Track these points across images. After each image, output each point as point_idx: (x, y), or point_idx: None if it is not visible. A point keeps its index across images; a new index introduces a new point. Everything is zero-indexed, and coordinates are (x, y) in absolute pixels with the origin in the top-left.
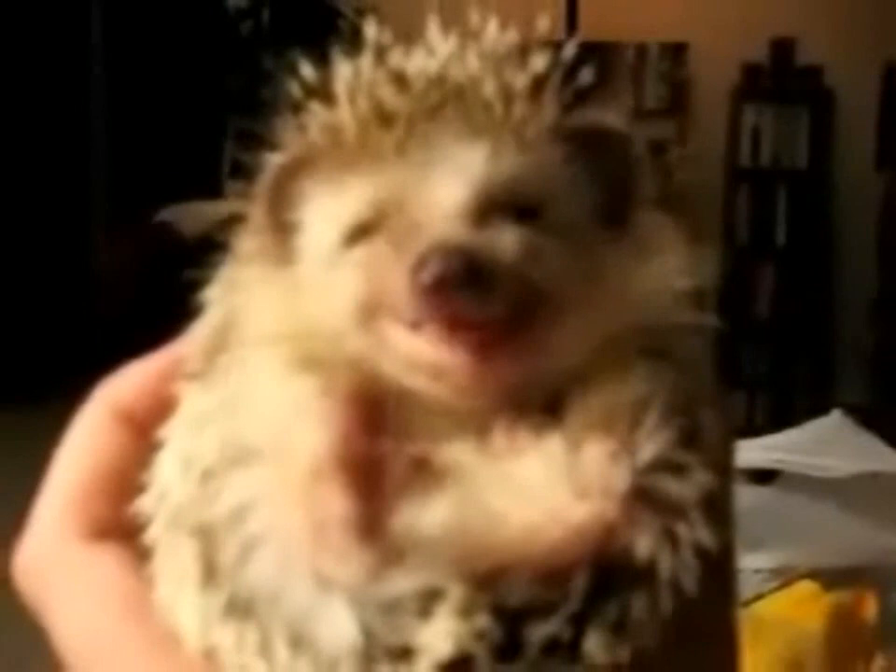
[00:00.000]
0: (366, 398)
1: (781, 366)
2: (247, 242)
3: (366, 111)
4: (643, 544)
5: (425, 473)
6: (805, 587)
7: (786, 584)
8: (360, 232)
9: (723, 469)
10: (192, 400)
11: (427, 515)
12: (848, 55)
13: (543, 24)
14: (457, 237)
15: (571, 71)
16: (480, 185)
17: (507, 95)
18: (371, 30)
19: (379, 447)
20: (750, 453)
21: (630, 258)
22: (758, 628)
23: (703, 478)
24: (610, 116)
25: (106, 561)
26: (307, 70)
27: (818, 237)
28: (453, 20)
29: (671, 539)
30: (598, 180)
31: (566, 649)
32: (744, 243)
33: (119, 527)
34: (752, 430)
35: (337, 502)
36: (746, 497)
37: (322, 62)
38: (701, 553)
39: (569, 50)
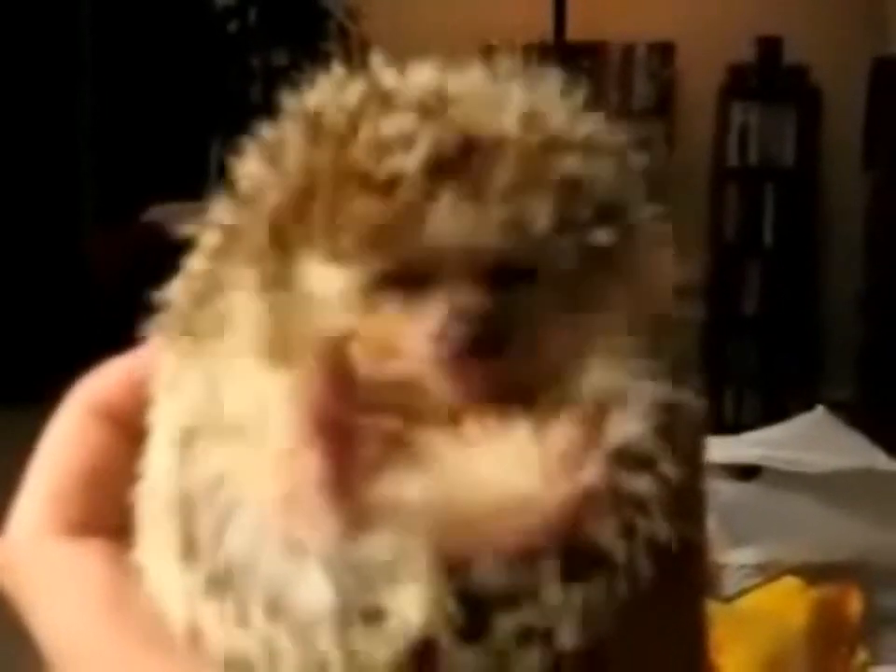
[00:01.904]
0: (341, 368)
1: (769, 363)
2: (242, 244)
3: (358, 177)
4: (605, 533)
5: (399, 449)
6: (789, 582)
7: (770, 580)
8: (366, 287)
9: (693, 463)
10: (177, 373)
11: (401, 485)
12: (835, 54)
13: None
14: (475, 302)
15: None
16: (483, 246)
17: (493, 148)
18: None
19: (353, 414)
20: (734, 449)
21: (623, 276)
22: (742, 623)
23: (670, 472)
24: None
25: (87, 556)
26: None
27: (805, 235)
28: (440, 22)
29: (632, 531)
30: (587, 215)
31: (538, 636)
32: (732, 241)
33: (102, 523)
34: (741, 427)
35: (310, 466)
36: (730, 493)
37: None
38: (660, 547)
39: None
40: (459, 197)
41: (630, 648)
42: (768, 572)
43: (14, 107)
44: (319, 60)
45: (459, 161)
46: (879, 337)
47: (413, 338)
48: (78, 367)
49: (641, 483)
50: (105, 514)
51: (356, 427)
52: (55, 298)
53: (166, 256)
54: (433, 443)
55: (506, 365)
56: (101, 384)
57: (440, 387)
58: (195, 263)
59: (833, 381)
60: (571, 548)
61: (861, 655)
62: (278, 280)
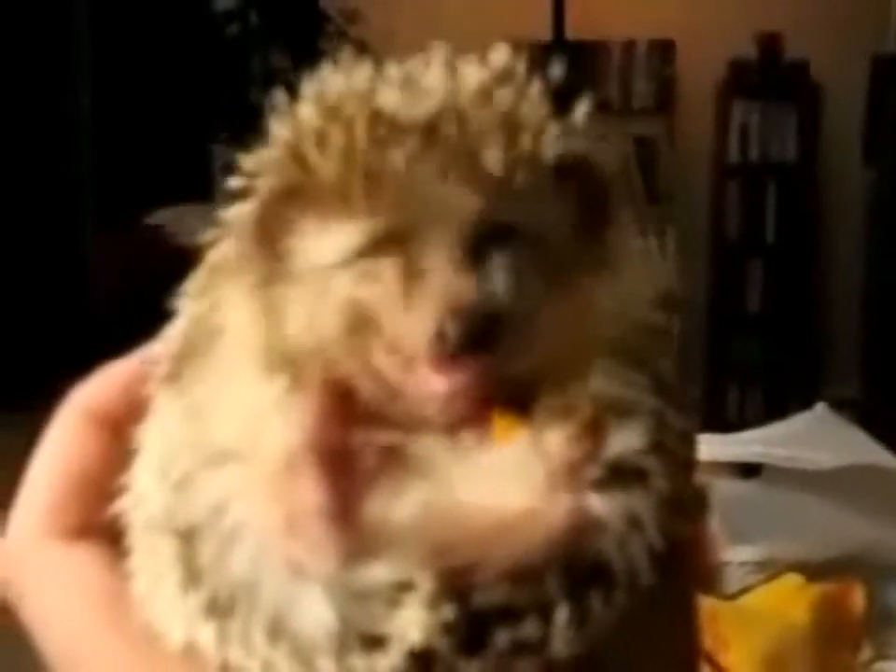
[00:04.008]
0: (337, 388)
1: (772, 360)
2: (227, 251)
3: (345, 161)
4: (604, 546)
5: (397, 465)
6: (791, 579)
7: (772, 577)
8: (360, 255)
9: (685, 470)
10: (165, 405)
11: (399, 506)
12: (835, 50)
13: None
14: (468, 294)
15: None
16: (471, 226)
17: (487, 132)
18: (354, 62)
19: (352, 436)
20: (735, 447)
21: (603, 272)
22: (744, 620)
23: (663, 484)
24: (584, 141)
25: (84, 559)
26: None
27: (807, 231)
28: (438, 21)
29: (629, 543)
30: (574, 204)
31: (533, 647)
32: (734, 238)
33: (98, 528)
34: (744, 424)
35: (310, 491)
36: (731, 490)
37: (310, 66)
38: (655, 554)
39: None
40: (449, 160)
41: (623, 647)
42: (770, 569)
43: (13, 111)
44: (318, 62)
45: (447, 133)
46: (882, 333)
47: (408, 326)
48: (77, 373)
49: (637, 496)
50: (101, 519)
51: (354, 451)
52: (54, 304)
53: (169, 260)
54: (432, 456)
55: (499, 360)
56: (97, 389)
57: (431, 387)
58: (188, 295)
59: (836, 378)
60: (571, 562)
61: (866, 651)
62: (270, 278)
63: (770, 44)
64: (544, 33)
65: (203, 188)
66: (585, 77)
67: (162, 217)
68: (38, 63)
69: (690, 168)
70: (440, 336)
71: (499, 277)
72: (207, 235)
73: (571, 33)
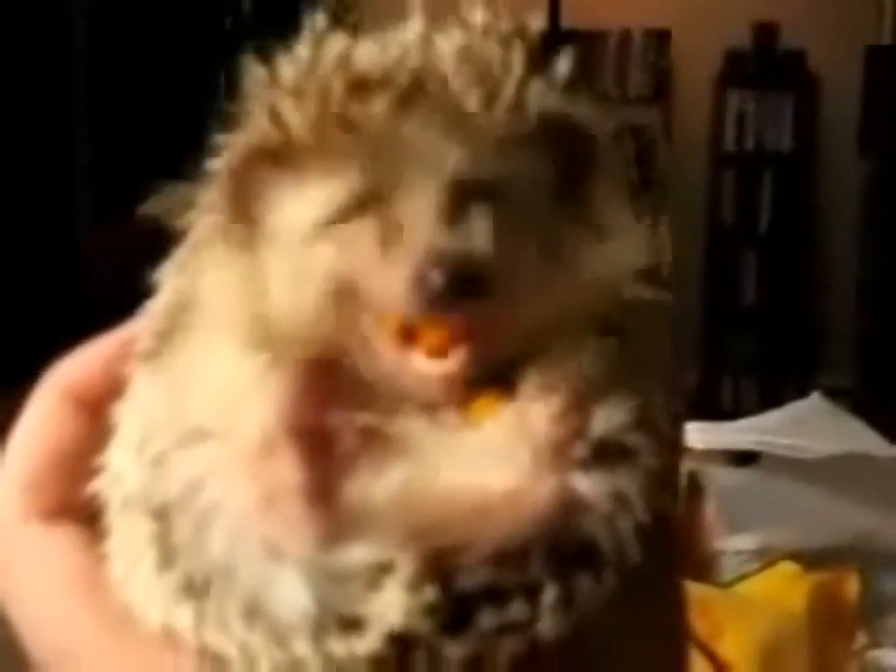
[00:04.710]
0: (317, 367)
1: (766, 350)
2: (205, 224)
3: (322, 117)
4: (592, 526)
5: (377, 444)
6: (787, 568)
7: (768, 565)
8: (338, 219)
9: (672, 448)
10: (143, 383)
11: (380, 486)
12: (831, 39)
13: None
14: (448, 243)
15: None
16: (453, 180)
17: (469, 86)
18: (322, 19)
19: (330, 415)
20: (731, 435)
21: (586, 237)
22: (740, 608)
23: (651, 461)
24: (571, 102)
25: (61, 540)
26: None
27: (802, 220)
28: (432, 10)
29: (617, 522)
30: (557, 164)
31: (519, 628)
32: (729, 227)
33: (75, 509)
34: (739, 414)
35: (287, 471)
36: (727, 478)
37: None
38: (641, 532)
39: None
40: (429, 115)
41: (610, 626)
42: (766, 557)
43: (7, 100)
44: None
45: (427, 88)
46: (877, 323)
47: (389, 283)
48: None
49: (623, 474)
50: (79, 500)
51: (334, 430)
52: (48, 290)
53: (164, 248)
54: (414, 436)
55: (489, 307)
56: (75, 367)
57: (423, 368)
58: (170, 271)
59: (831, 367)
60: (557, 542)
61: (860, 639)
62: (248, 243)
63: (766, 33)
64: (541, 21)
65: (198, 176)
66: (581, 67)
67: (156, 205)
68: (34, 55)
69: (686, 157)
70: (419, 281)
71: (480, 232)
72: (189, 215)
73: (568, 22)
